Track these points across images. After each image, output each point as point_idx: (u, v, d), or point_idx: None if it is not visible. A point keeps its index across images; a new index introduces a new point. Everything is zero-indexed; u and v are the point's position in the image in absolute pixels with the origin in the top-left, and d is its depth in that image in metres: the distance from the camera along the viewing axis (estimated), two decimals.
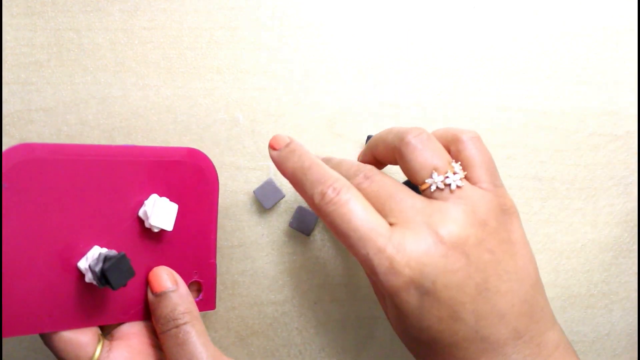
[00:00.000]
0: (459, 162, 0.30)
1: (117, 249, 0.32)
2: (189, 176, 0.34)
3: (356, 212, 0.28)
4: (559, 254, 0.42)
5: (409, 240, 0.27)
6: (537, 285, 0.29)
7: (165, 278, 0.32)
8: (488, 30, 0.41)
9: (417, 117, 0.41)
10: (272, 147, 0.32)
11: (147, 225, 0.32)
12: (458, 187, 0.29)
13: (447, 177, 0.29)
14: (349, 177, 0.31)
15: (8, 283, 0.29)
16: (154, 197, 0.32)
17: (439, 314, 0.27)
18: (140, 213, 0.32)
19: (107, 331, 0.34)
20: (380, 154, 0.33)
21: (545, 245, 0.42)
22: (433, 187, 0.29)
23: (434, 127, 0.41)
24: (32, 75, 0.40)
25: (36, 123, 0.40)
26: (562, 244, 0.42)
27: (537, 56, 0.41)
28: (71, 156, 0.30)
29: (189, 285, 0.35)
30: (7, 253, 0.29)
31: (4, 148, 0.40)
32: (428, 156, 0.29)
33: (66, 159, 0.30)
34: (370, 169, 0.31)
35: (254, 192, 0.39)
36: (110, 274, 0.29)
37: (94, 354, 0.31)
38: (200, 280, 0.35)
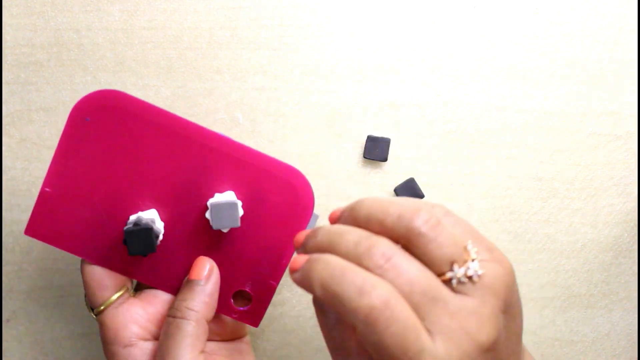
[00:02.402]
0: (469, 240, 0.27)
1: (175, 222, 0.33)
2: (279, 192, 0.33)
3: (405, 331, 0.24)
4: (559, 254, 0.42)
5: (453, 355, 0.25)
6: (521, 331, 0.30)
7: (203, 270, 0.33)
8: (488, 31, 0.41)
9: (417, 117, 0.41)
10: (292, 270, 0.27)
11: (206, 215, 0.32)
12: (479, 276, 0.26)
13: (469, 267, 0.26)
14: (358, 256, 0.26)
15: (63, 202, 0.32)
16: (228, 195, 0.32)
17: None
18: (209, 202, 0.32)
19: (139, 289, 0.35)
20: (374, 231, 0.27)
21: (545, 245, 0.42)
22: (455, 282, 0.26)
23: (434, 127, 0.41)
24: (32, 75, 0.40)
25: (36, 123, 0.40)
26: (562, 244, 0.42)
27: (537, 56, 0.41)
28: (161, 121, 0.32)
29: (238, 292, 0.34)
30: (71, 177, 0.32)
31: (3, 148, 0.40)
32: (444, 246, 0.26)
33: (154, 122, 0.32)
34: (387, 245, 0.26)
35: None
36: (129, 238, 0.30)
37: (108, 298, 0.33)
38: (252, 293, 0.34)
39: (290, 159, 0.40)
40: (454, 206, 0.41)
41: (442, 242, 0.26)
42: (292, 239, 0.32)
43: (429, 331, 0.25)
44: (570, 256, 0.42)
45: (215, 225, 0.31)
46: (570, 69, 0.41)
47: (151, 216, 0.32)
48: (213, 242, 0.33)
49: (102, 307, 0.32)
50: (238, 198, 0.32)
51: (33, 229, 0.32)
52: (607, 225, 0.42)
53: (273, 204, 0.33)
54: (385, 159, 0.40)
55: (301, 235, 0.29)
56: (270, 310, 0.40)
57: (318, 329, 0.41)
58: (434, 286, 0.26)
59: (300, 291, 0.41)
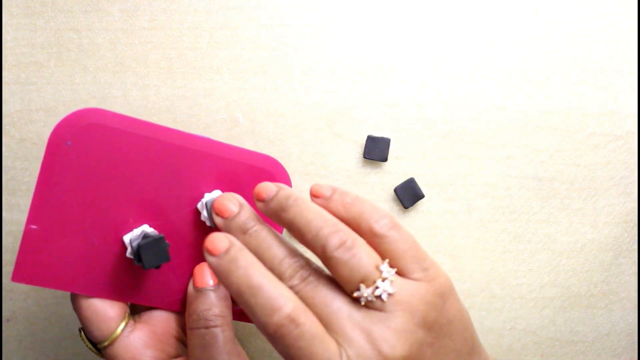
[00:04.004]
0: (386, 261, 0.28)
1: (167, 234, 0.31)
2: (260, 181, 0.32)
3: (317, 349, 0.26)
4: (559, 254, 0.42)
5: None
6: (474, 347, 0.30)
7: (207, 274, 0.32)
8: (488, 30, 0.41)
9: (417, 117, 0.41)
10: (209, 251, 0.28)
11: (202, 218, 0.32)
12: (389, 294, 0.27)
13: (377, 287, 0.27)
14: (281, 274, 0.28)
15: (51, 236, 0.29)
16: (216, 193, 0.32)
17: None
18: (199, 205, 0.32)
19: (137, 311, 0.34)
20: (296, 238, 0.29)
21: (545, 245, 0.42)
22: (363, 301, 0.27)
23: (434, 127, 0.41)
24: (32, 75, 0.40)
25: (36, 123, 0.40)
26: (562, 244, 0.42)
27: (537, 56, 0.41)
28: (143, 133, 0.30)
29: None
30: (56, 208, 0.29)
31: (3, 148, 0.40)
32: (354, 267, 0.27)
33: (135, 134, 0.30)
34: (307, 268, 0.28)
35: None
36: (143, 251, 0.29)
37: (115, 329, 0.31)
38: None
39: (290, 159, 0.40)
40: (454, 206, 0.41)
41: (353, 264, 0.27)
42: (275, 225, 0.33)
43: (338, 343, 0.27)
44: (570, 256, 0.42)
45: (212, 222, 0.31)
46: (570, 69, 0.41)
47: (147, 229, 0.31)
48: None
49: (109, 341, 0.31)
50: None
51: (22, 274, 0.29)
52: (607, 225, 0.42)
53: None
54: (385, 159, 0.40)
55: (266, 191, 0.29)
56: None
57: None
58: (339, 296, 0.28)
59: None
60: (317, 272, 0.29)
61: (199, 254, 0.33)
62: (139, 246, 0.29)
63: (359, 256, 0.27)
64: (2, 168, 0.40)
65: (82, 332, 0.32)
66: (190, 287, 0.32)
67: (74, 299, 0.31)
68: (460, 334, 0.29)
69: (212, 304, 0.31)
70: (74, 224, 0.30)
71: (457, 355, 0.29)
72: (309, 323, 0.27)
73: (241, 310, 0.34)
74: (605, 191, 0.42)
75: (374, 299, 0.27)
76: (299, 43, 0.40)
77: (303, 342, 0.26)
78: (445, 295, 0.28)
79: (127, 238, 0.31)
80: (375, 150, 0.40)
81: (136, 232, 0.31)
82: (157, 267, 0.29)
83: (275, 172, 0.33)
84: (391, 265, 0.28)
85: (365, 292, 0.27)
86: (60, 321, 0.41)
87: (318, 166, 0.41)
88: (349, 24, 0.40)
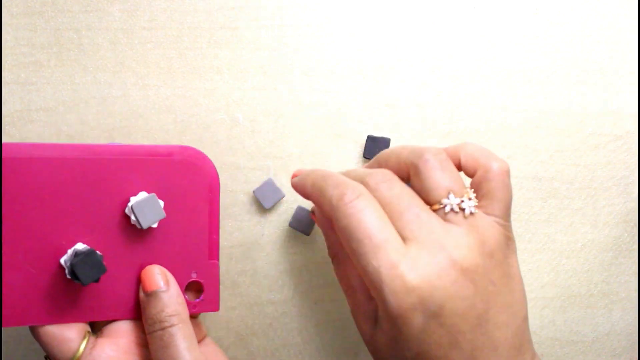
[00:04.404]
0: (473, 190, 0.30)
1: (103, 246, 0.32)
2: (184, 173, 0.33)
3: (372, 220, 0.27)
4: (559, 254, 0.42)
5: (423, 260, 0.26)
6: (526, 318, 0.30)
7: (157, 277, 0.32)
8: (488, 31, 0.41)
9: (417, 117, 0.41)
10: (293, 176, 0.34)
11: (132, 222, 0.32)
12: (472, 213, 0.28)
13: (463, 201, 0.28)
14: (365, 176, 0.30)
15: None
16: (141, 195, 0.32)
17: (440, 340, 0.27)
18: (127, 210, 0.32)
19: (98, 327, 0.34)
20: (392, 168, 0.31)
21: (545, 245, 0.42)
22: (448, 208, 0.28)
23: (434, 127, 0.41)
24: (32, 75, 0.40)
25: (36, 123, 0.40)
26: (562, 244, 0.42)
27: (537, 56, 0.41)
28: (50, 154, 0.30)
29: (188, 285, 0.34)
30: None
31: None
32: (446, 177, 0.29)
33: (45, 158, 0.30)
34: (389, 173, 0.30)
35: (253, 192, 0.39)
36: (78, 269, 0.29)
37: (77, 349, 0.31)
38: (201, 281, 0.34)
39: (290, 159, 0.40)
40: None
41: (445, 173, 0.29)
42: (210, 212, 0.34)
43: (403, 237, 0.27)
44: (570, 256, 0.42)
45: (144, 223, 0.31)
46: (570, 69, 0.41)
47: (79, 247, 0.31)
48: (143, 248, 0.33)
49: None
50: (150, 193, 0.33)
51: None
52: (607, 225, 0.42)
53: (182, 186, 0.33)
54: None
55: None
56: (271, 309, 0.40)
57: (319, 329, 0.41)
58: (420, 206, 0.29)
59: (301, 290, 0.41)
60: (399, 181, 0.30)
61: (142, 260, 0.33)
62: (72, 265, 0.29)
63: (452, 170, 0.29)
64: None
65: (46, 359, 0.32)
66: (141, 293, 0.32)
67: (31, 328, 0.31)
68: (520, 297, 0.29)
69: (164, 305, 0.31)
70: (10, 260, 0.30)
71: (514, 313, 0.29)
72: (373, 205, 0.28)
73: (199, 302, 0.34)
74: (605, 191, 0.42)
75: (458, 211, 0.28)
76: (299, 43, 0.40)
77: (363, 215, 0.27)
78: (512, 248, 0.30)
79: (62, 260, 0.31)
80: (375, 150, 0.40)
81: (69, 252, 0.31)
82: (97, 281, 0.30)
83: (197, 161, 0.33)
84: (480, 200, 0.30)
85: (453, 200, 0.28)
86: None
87: (318, 166, 0.41)
88: (349, 24, 0.40)
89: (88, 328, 0.32)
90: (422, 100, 0.41)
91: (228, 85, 0.40)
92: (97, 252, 0.30)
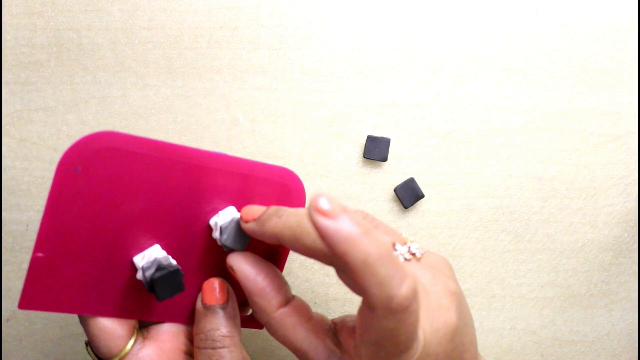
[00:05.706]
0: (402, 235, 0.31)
1: (177, 252, 0.31)
2: (277, 194, 0.32)
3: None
4: (559, 254, 0.42)
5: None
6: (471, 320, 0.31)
7: (215, 292, 0.31)
8: (488, 31, 0.41)
9: (417, 117, 0.41)
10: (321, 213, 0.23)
11: (213, 236, 0.31)
12: (422, 253, 0.30)
13: (410, 246, 0.29)
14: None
15: (59, 263, 0.29)
16: (230, 210, 0.31)
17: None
18: (211, 221, 0.31)
19: (144, 325, 0.33)
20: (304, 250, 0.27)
21: (545, 245, 0.42)
22: (401, 258, 0.29)
23: (434, 127, 0.41)
24: (32, 75, 0.40)
25: (36, 123, 0.40)
26: (562, 244, 0.42)
27: (537, 56, 0.41)
28: (155, 154, 0.29)
29: (244, 301, 0.33)
30: (64, 235, 0.28)
31: (3, 148, 0.40)
32: (381, 233, 0.30)
33: (147, 155, 0.29)
34: (373, 218, 0.32)
35: None
36: (157, 285, 0.28)
37: (124, 347, 0.30)
38: None
39: (290, 159, 0.40)
40: (454, 206, 0.41)
41: (379, 231, 0.30)
42: None
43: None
44: (570, 256, 0.42)
45: (227, 244, 0.30)
46: (570, 69, 0.41)
47: (158, 253, 0.30)
48: (215, 259, 0.32)
49: (117, 358, 0.30)
50: (238, 210, 0.32)
51: (28, 300, 0.29)
52: (607, 225, 0.42)
53: (270, 204, 0.32)
54: (385, 159, 0.40)
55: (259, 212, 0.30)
56: None
57: None
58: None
59: (302, 290, 0.41)
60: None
61: (209, 269, 0.32)
62: (153, 280, 0.28)
63: (378, 224, 0.31)
64: (2, 168, 0.40)
65: (89, 347, 0.32)
66: (199, 304, 0.31)
67: (81, 318, 0.31)
68: (471, 320, 0.30)
69: (219, 324, 0.30)
70: (83, 250, 0.29)
71: (471, 333, 0.30)
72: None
73: (249, 316, 0.34)
74: (605, 191, 0.42)
75: (411, 257, 0.29)
76: (299, 43, 0.40)
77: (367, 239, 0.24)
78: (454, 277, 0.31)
79: (137, 259, 0.30)
80: (375, 150, 0.40)
81: (148, 256, 0.30)
82: (170, 298, 0.29)
83: (290, 184, 0.32)
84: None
85: (402, 249, 0.29)
86: (60, 321, 0.41)
87: (318, 166, 0.41)
88: (349, 24, 0.40)
89: (137, 326, 0.32)
90: (422, 100, 0.41)
91: (228, 85, 0.40)
92: (180, 270, 0.29)
